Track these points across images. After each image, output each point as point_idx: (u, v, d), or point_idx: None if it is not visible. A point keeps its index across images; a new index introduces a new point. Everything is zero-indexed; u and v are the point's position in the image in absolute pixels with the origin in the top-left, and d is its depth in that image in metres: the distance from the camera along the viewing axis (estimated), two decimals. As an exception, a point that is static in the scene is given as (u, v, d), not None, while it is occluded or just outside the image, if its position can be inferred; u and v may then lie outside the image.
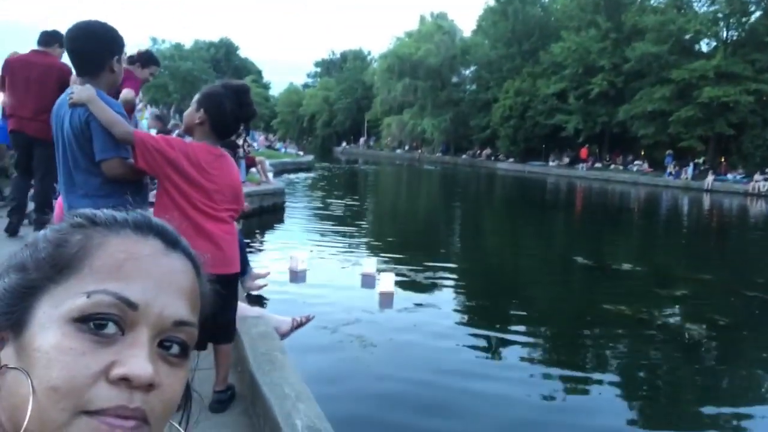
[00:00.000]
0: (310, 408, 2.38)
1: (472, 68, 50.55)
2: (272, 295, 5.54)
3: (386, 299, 5.75)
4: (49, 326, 0.48)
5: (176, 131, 8.04)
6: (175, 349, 0.53)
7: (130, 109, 5.26)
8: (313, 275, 6.57)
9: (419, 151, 52.05)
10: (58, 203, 3.30)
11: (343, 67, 74.10)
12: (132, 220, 0.55)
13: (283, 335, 3.67)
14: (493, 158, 43.16)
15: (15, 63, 5.18)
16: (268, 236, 9.77)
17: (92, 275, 0.50)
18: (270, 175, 13.60)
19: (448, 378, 4.16)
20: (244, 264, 4.63)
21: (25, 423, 0.46)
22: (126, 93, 5.07)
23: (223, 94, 2.42)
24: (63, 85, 2.44)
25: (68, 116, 2.36)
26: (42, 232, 0.56)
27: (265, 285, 5.05)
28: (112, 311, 0.49)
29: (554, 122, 37.22)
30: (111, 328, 0.49)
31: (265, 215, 11.01)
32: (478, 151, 46.12)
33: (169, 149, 2.32)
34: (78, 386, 0.46)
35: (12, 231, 5.34)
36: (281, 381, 2.59)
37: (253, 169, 12.80)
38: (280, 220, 11.26)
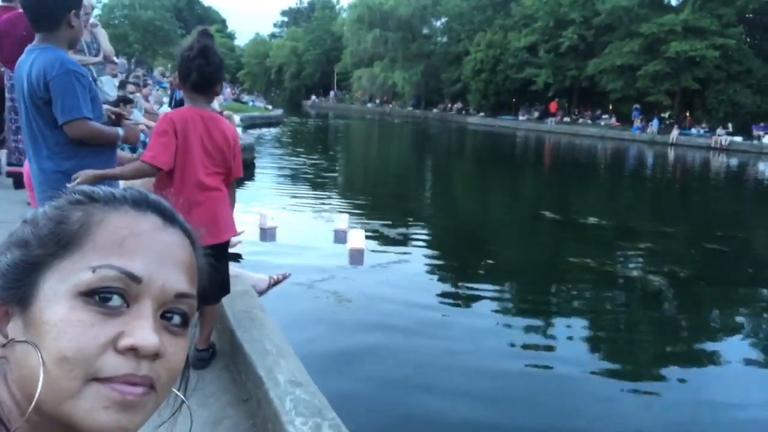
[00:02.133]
0: (291, 363, 2.45)
1: (444, 20, 49.75)
2: (245, 255, 5.56)
3: (357, 255, 5.81)
4: (56, 300, 0.51)
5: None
6: (177, 319, 0.56)
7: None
8: (285, 232, 6.58)
9: (390, 105, 51.52)
10: (25, 166, 3.23)
11: (311, 17, 72.04)
12: (130, 197, 0.57)
13: (261, 293, 3.73)
14: (463, 112, 43.07)
15: None
16: (238, 193, 9.69)
17: (96, 251, 0.52)
18: (239, 130, 13.36)
19: (421, 330, 4.30)
20: None
21: (38, 392, 0.49)
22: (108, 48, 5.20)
23: (189, 57, 2.38)
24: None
25: (26, 77, 2.30)
26: (41, 209, 0.57)
27: (239, 243, 5.07)
28: (117, 285, 0.51)
29: (524, 76, 37.19)
30: (116, 301, 0.51)
31: (236, 171, 10.89)
32: (449, 105, 45.92)
33: (172, 145, 2.39)
34: (88, 356, 0.49)
35: None
36: (262, 337, 2.65)
37: (222, 124, 12.56)
38: (250, 177, 11.15)
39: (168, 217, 0.58)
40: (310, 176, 12.20)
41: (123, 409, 0.50)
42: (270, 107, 33.64)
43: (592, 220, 8.95)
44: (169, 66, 28.15)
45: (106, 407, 0.49)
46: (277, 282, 3.87)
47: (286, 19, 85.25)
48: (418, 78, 47.60)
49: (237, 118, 14.52)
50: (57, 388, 0.49)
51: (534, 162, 20.33)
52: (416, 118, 42.88)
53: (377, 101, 53.26)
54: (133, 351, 0.50)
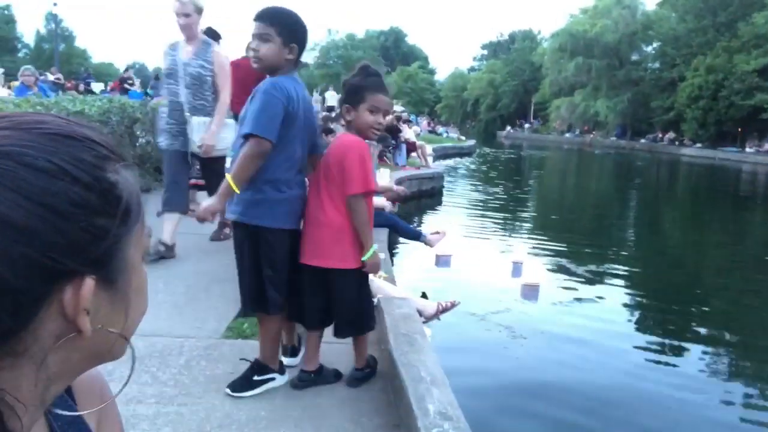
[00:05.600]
0: (443, 394, 2.33)
1: (655, 45, 46.04)
2: (417, 281, 5.55)
3: (530, 291, 5.46)
4: (138, 267, 0.54)
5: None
6: None
7: None
8: (461, 260, 6.45)
9: (591, 135, 48.79)
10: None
11: (510, 49, 72.00)
12: None
13: (428, 319, 3.67)
14: (677, 143, 39.03)
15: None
16: (425, 218, 9.88)
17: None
18: (430, 159, 13.73)
19: (603, 380, 3.85)
20: (415, 232, 5.45)
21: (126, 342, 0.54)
22: None
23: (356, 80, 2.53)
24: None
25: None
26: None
27: (444, 235, 5.41)
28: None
29: (754, 103, 32.49)
30: None
31: (424, 199, 11.14)
32: (660, 135, 42.02)
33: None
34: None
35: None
36: (418, 363, 2.58)
37: (414, 154, 13.04)
38: (438, 204, 11.32)
39: None
40: (496, 207, 11.97)
41: None
42: (463, 138, 34.13)
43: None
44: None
45: None
46: (445, 309, 3.78)
47: (485, 52, 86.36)
48: (623, 106, 44.56)
49: (429, 148, 14.96)
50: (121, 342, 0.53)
51: (763, 200, 17.49)
52: (620, 149, 39.84)
53: (576, 131, 50.89)
54: None
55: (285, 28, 2.39)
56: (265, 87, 2.39)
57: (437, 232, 5.43)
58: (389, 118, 2.83)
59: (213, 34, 5.78)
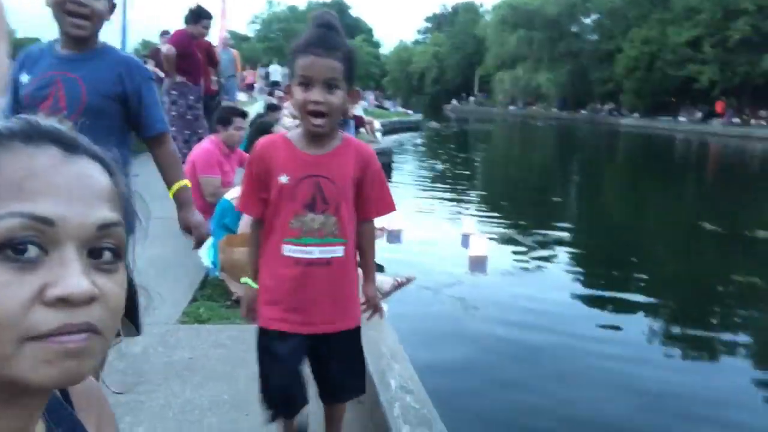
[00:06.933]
0: (404, 368, 2.40)
1: (594, 17, 47.16)
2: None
3: (478, 263, 5.61)
4: None
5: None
6: (107, 255, 0.50)
7: (168, 61, 6.03)
8: (412, 235, 6.55)
9: (534, 107, 49.88)
10: None
11: (454, 22, 72.19)
12: (19, 130, 0.50)
13: (385, 294, 3.73)
14: (615, 114, 40.41)
15: None
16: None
17: None
18: (379, 135, 13.73)
19: (553, 343, 4.03)
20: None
21: None
22: (166, 48, 6.08)
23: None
24: None
25: None
26: None
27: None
28: (27, 233, 0.46)
29: (686, 74, 33.99)
30: (32, 251, 0.46)
31: (373, 174, 11.17)
32: (600, 107, 43.37)
33: None
34: (12, 316, 0.45)
35: None
36: (378, 340, 2.64)
37: (362, 130, 13.00)
38: (387, 179, 11.36)
39: (69, 146, 0.51)
40: (444, 180, 12.15)
41: (68, 358, 0.46)
42: (410, 112, 34.21)
43: (762, 234, 7.86)
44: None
45: (49, 361, 0.46)
46: (401, 285, 3.85)
47: (429, 25, 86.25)
48: (564, 78, 45.65)
49: (378, 123, 14.94)
50: None
51: (695, 167, 18.44)
52: (562, 121, 40.99)
53: (520, 104, 51.87)
54: (64, 301, 0.46)
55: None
56: None
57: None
58: (340, 93, 1.63)
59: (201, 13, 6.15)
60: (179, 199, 2.07)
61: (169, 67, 6.02)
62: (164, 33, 10.11)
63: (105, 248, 0.50)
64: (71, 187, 0.49)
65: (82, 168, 0.51)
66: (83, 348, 0.47)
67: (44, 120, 0.52)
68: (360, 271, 1.88)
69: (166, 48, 6.11)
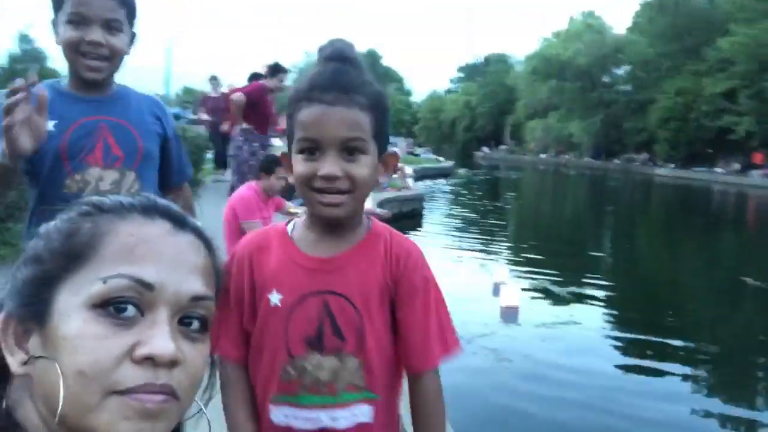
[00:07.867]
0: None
1: (626, 67, 47.33)
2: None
3: (509, 313, 5.49)
4: (70, 314, 0.50)
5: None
6: (196, 324, 0.55)
7: (236, 108, 6.24)
8: (445, 282, 6.45)
9: (566, 156, 49.68)
10: None
11: (486, 72, 73.32)
12: (139, 204, 0.57)
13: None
14: (650, 164, 39.93)
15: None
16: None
17: (106, 261, 0.52)
18: (410, 180, 13.82)
19: (585, 399, 3.88)
20: None
21: (59, 407, 0.48)
22: (237, 96, 6.25)
23: None
24: None
25: None
26: (53, 222, 0.58)
27: None
28: (130, 294, 0.51)
29: (722, 124, 33.52)
30: (130, 311, 0.51)
31: (404, 220, 11.17)
32: (633, 156, 42.96)
33: None
34: (104, 369, 0.48)
35: None
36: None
37: (395, 175, 13.09)
38: (418, 226, 11.36)
39: (178, 221, 0.58)
40: (475, 227, 12.07)
41: (145, 418, 0.49)
42: (441, 159, 34.46)
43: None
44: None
45: (127, 417, 0.49)
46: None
47: (462, 74, 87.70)
48: (597, 127, 45.53)
49: (410, 169, 15.07)
50: (78, 402, 0.49)
51: (734, 220, 17.94)
52: (595, 170, 40.58)
53: (552, 152, 51.78)
54: (150, 360, 0.50)
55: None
56: None
57: None
58: (367, 160, 0.99)
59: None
60: None
61: (237, 114, 6.20)
62: (212, 78, 10.45)
63: (194, 318, 0.55)
64: (174, 257, 0.54)
65: (186, 242, 0.57)
66: (160, 409, 0.50)
67: (160, 199, 0.59)
68: None
69: (236, 96, 6.28)
